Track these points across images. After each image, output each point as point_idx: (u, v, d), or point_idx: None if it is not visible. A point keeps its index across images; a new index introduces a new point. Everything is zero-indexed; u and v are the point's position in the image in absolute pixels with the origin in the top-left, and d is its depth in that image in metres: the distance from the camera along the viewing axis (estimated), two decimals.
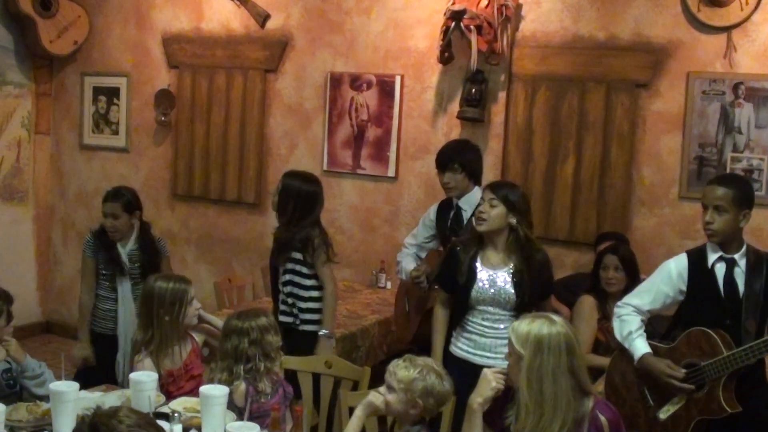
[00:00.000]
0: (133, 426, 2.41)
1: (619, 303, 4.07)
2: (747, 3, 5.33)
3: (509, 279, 4.04)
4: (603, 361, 4.59)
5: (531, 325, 3.06)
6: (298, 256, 4.71)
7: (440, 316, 4.34)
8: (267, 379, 3.65)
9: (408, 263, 5.13)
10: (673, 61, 5.57)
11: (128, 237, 5.01)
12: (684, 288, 3.86)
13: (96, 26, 7.62)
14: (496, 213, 4.04)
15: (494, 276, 4.07)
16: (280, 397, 3.69)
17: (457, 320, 4.23)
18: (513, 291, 4.02)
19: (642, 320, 3.94)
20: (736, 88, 5.41)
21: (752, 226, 4.63)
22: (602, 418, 3.02)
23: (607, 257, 4.82)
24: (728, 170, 5.42)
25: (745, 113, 5.40)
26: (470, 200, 4.92)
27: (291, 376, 4.19)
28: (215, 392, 3.31)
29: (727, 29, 5.41)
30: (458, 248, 4.23)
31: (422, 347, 4.55)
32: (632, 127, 5.70)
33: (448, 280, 4.24)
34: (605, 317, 4.75)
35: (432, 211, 5.17)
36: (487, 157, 6.02)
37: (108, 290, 5.03)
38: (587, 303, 4.76)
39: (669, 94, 5.61)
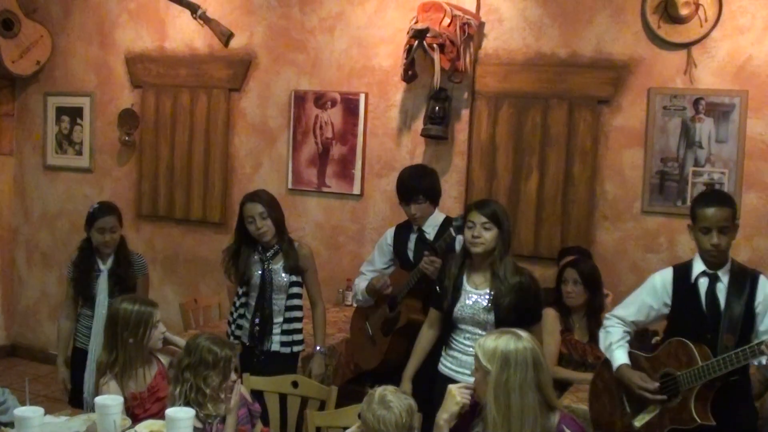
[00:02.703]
0: None
1: (606, 314, 4.12)
2: (706, 20, 5.40)
3: (487, 301, 4.04)
4: (569, 374, 4.63)
5: (497, 341, 3.07)
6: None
7: (423, 336, 4.34)
8: (210, 405, 3.53)
9: (365, 284, 5.01)
10: (634, 77, 5.63)
11: (112, 252, 4.97)
12: (669, 301, 3.88)
13: (59, 46, 7.58)
14: (490, 236, 4.03)
15: (475, 296, 4.08)
16: (242, 416, 3.66)
17: (444, 338, 4.24)
18: (490, 313, 4.03)
19: (626, 331, 3.97)
20: (696, 103, 5.48)
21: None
22: None
23: (567, 271, 4.88)
24: (690, 185, 5.48)
25: (705, 128, 5.46)
26: (433, 223, 4.86)
27: (257, 396, 4.16)
28: (181, 415, 3.29)
29: (687, 46, 5.49)
30: (447, 265, 4.24)
31: (392, 369, 4.53)
32: (594, 142, 5.75)
33: (438, 299, 4.23)
34: (568, 329, 4.80)
35: (389, 236, 5.04)
36: (451, 175, 6.05)
37: (89, 308, 4.94)
38: (550, 315, 4.77)
39: (630, 110, 5.66)
